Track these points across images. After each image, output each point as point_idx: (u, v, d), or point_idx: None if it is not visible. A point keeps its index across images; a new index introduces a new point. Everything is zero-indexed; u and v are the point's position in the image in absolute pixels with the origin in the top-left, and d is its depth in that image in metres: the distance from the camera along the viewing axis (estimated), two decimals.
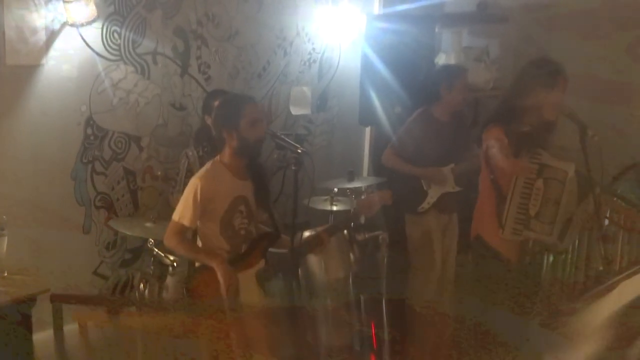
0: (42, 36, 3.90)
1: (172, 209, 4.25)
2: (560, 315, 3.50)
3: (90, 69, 4.14)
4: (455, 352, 3.85)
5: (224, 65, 4.82)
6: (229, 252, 3.39)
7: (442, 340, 4.11)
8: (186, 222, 3.33)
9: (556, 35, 5.22)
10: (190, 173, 4.21)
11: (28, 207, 3.99)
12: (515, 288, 3.63)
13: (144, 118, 4.45)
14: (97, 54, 4.16)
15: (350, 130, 5.75)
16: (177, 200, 4.17)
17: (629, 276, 3.64)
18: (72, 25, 3.96)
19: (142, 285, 4.06)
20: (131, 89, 4.35)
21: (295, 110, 5.32)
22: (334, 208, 4.60)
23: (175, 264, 3.89)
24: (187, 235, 3.44)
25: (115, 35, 4.21)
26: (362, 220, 3.89)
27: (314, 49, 5.42)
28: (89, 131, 4.21)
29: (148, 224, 4.04)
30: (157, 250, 3.90)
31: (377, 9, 5.67)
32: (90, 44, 4.11)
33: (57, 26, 3.95)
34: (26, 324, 3.33)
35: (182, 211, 3.35)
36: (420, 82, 4.76)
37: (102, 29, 4.14)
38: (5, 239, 3.53)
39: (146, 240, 3.95)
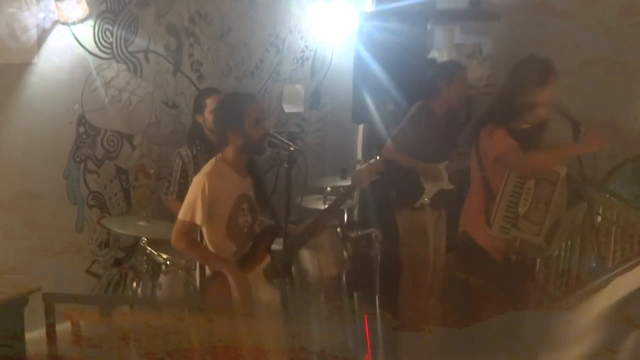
0: (33, 34, 3.88)
1: (166, 210, 4.27)
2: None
3: (82, 67, 4.12)
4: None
5: (216, 63, 4.81)
6: (235, 254, 3.36)
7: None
8: (198, 220, 3.25)
9: (548, 31, 5.23)
10: (184, 173, 4.20)
11: (20, 205, 3.98)
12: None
13: (136, 116, 4.44)
14: (89, 52, 4.14)
15: (343, 127, 5.75)
16: (171, 202, 4.19)
17: (622, 272, 3.64)
18: (63, 23, 3.95)
19: (135, 284, 4.07)
20: (123, 87, 4.33)
21: (288, 108, 5.31)
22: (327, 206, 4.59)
23: (168, 262, 3.88)
24: (194, 235, 3.39)
25: (107, 33, 4.19)
26: (355, 197, 3.83)
27: (306, 46, 5.42)
28: (81, 130, 4.19)
29: (141, 223, 4.03)
30: (150, 248, 3.90)
31: (369, 6, 5.67)
32: (82, 42, 4.09)
33: (48, 24, 3.93)
34: (18, 324, 3.32)
35: (192, 209, 3.25)
36: (417, 75, 4.75)
37: (94, 27, 4.12)
38: None
39: (139, 239, 3.95)
